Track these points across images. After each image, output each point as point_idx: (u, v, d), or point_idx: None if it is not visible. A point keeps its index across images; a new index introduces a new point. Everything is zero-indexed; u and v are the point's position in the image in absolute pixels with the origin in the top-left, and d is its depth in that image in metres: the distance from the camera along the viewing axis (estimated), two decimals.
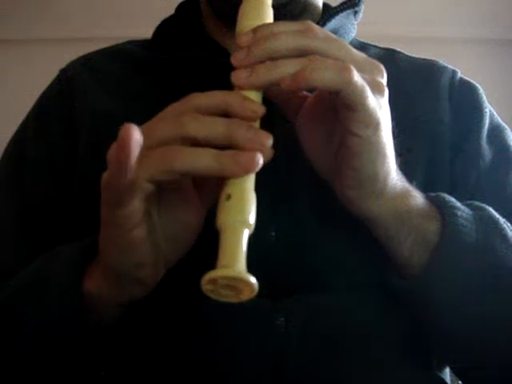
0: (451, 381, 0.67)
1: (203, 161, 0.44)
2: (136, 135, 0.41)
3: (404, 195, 0.55)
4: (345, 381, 0.57)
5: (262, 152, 0.45)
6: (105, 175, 0.45)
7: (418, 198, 0.55)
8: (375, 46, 0.76)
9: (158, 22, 0.73)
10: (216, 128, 0.45)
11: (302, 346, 0.56)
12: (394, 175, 0.53)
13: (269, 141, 0.46)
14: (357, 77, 0.46)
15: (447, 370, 0.67)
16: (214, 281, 0.42)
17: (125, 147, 0.41)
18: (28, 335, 0.54)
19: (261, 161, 0.44)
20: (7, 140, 0.73)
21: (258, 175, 0.46)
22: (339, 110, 0.49)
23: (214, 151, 0.45)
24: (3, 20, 1.56)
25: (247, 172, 0.44)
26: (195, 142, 0.46)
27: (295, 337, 0.56)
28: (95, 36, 1.45)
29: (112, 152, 0.42)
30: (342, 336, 0.58)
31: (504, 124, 0.72)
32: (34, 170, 0.68)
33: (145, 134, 0.45)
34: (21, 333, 0.54)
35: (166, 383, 0.57)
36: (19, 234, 0.66)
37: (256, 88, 0.48)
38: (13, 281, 0.58)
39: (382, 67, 0.50)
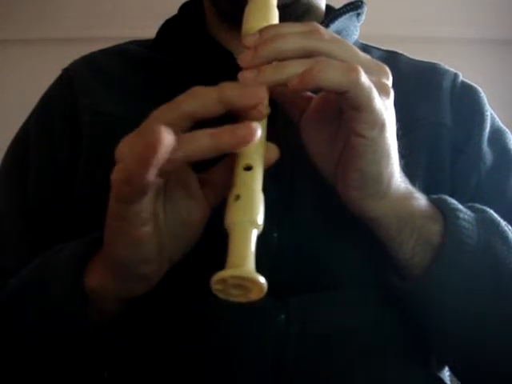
0: (451, 381, 0.67)
1: (201, 142, 0.43)
2: (169, 139, 0.40)
3: (407, 197, 0.55)
4: (344, 379, 0.57)
5: (259, 108, 0.44)
6: (117, 171, 0.44)
7: (420, 199, 0.56)
8: (377, 49, 0.76)
9: (159, 22, 0.73)
10: (209, 97, 0.45)
11: (301, 343, 0.56)
12: (397, 176, 0.53)
13: (263, 94, 0.45)
14: (364, 78, 0.46)
15: (446, 370, 0.67)
16: (223, 281, 0.42)
17: (155, 147, 0.40)
18: (30, 334, 0.54)
19: (259, 130, 0.43)
20: (8, 140, 0.73)
21: (265, 176, 0.46)
22: (345, 110, 0.49)
23: (209, 131, 0.44)
24: (3, 20, 1.55)
25: (245, 143, 0.43)
26: (195, 120, 0.45)
27: (295, 335, 0.56)
28: (95, 36, 1.44)
29: (137, 149, 0.41)
30: (341, 335, 0.58)
31: (504, 127, 0.72)
32: (37, 169, 0.68)
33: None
34: (22, 331, 0.54)
35: (168, 381, 0.58)
36: (21, 233, 0.67)
37: None
38: (14, 279, 0.58)
39: (388, 69, 0.51)
